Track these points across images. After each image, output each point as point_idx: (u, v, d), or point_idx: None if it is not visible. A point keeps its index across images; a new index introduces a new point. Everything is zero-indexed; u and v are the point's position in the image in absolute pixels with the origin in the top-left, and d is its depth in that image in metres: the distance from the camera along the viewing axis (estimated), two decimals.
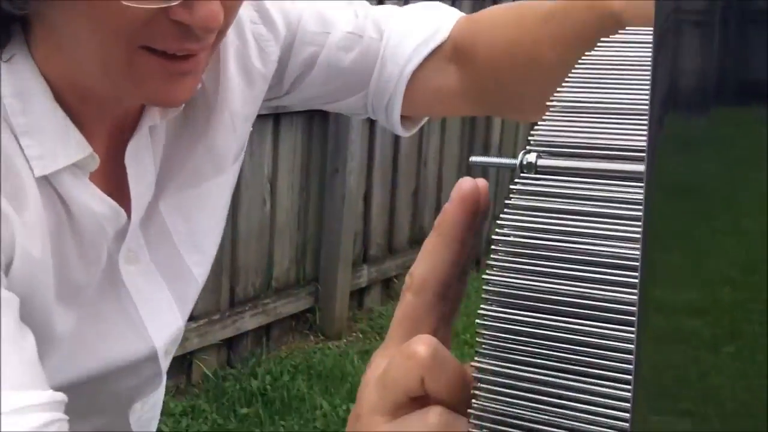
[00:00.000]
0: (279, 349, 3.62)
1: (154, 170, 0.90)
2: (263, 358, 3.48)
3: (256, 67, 0.95)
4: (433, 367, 0.43)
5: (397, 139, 4.16)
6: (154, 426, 1.16)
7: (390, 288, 4.24)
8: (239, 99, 0.95)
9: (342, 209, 3.76)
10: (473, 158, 0.44)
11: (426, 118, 1.12)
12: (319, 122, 3.71)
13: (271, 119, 3.46)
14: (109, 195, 0.85)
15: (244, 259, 3.45)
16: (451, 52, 0.97)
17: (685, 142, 0.27)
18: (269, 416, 3.06)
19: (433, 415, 0.44)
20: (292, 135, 3.61)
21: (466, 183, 0.45)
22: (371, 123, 3.96)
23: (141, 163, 0.88)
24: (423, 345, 0.44)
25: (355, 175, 3.80)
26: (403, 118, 1.04)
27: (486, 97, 0.98)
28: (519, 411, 0.41)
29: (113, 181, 0.86)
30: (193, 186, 0.94)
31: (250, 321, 3.47)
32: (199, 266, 0.98)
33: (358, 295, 4.11)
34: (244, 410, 3.07)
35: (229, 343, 3.45)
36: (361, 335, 3.86)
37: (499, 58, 0.93)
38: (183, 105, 0.87)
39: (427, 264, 0.46)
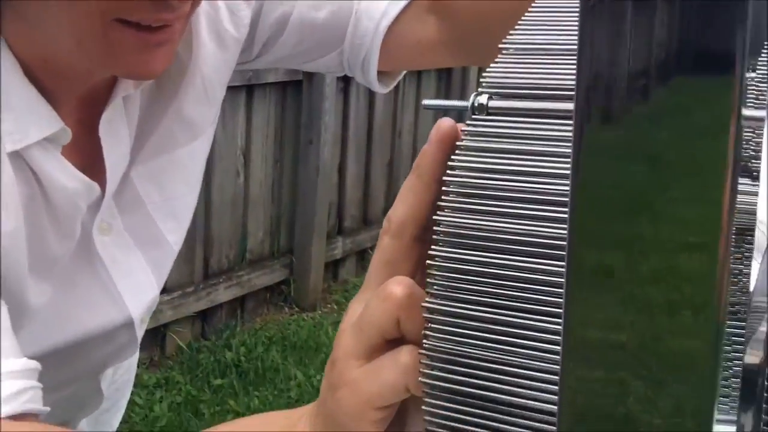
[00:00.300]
0: (253, 321, 3.62)
1: (129, 141, 0.89)
2: (237, 330, 3.48)
3: (228, 32, 0.94)
4: (409, 308, 0.43)
5: (371, 110, 4.16)
6: (129, 389, 1.16)
7: (365, 259, 4.25)
8: (212, 65, 0.94)
9: (316, 181, 3.75)
10: (425, 101, 0.44)
11: (403, 73, 1.11)
12: (292, 93, 3.70)
13: (244, 90, 3.45)
14: (83, 168, 0.84)
15: (218, 231, 3.44)
16: (428, 3, 0.97)
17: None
18: (243, 387, 3.07)
19: (405, 353, 0.44)
20: (266, 106, 3.59)
21: (445, 123, 0.45)
22: (345, 94, 3.95)
23: (115, 134, 0.87)
24: (399, 286, 0.43)
25: (329, 146, 3.79)
26: (380, 73, 1.03)
27: (469, 46, 0.97)
28: (469, 350, 0.41)
29: (87, 153, 0.85)
30: (165, 153, 0.93)
31: (224, 293, 3.47)
32: (173, 233, 0.98)
33: (333, 266, 4.11)
34: (218, 381, 3.07)
35: (203, 316, 3.45)
36: (336, 307, 3.87)
37: (481, 3, 0.92)
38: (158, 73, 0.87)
39: (405, 206, 0.46)
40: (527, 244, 0.40)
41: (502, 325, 0.41)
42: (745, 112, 0.25)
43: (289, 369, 3.20)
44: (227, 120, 3.36)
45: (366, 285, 0.48)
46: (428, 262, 0.42)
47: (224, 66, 0.96)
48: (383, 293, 0.44)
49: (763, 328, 0.38)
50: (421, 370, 0.43)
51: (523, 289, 0.40)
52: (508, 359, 0.41)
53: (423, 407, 0.43)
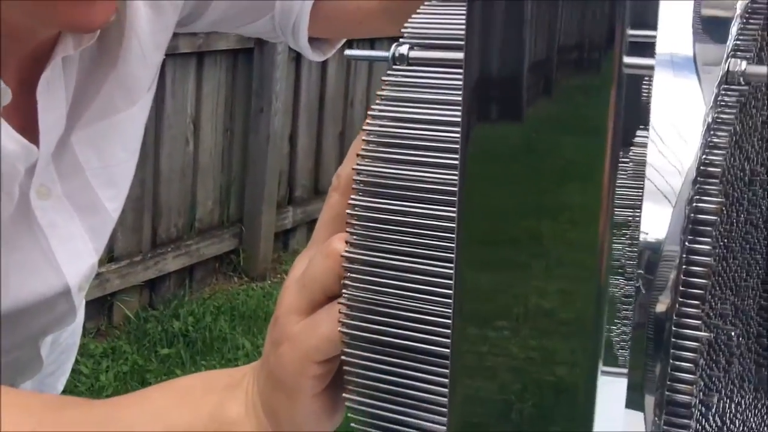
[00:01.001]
0: (202, 291, 3.61)
1: (65, 103, 0.87)
2: (186, 299, 3.46)
3: None
4: None
5: (323, 79, 4.13)
6: (74, 352, 1.14)
7: None
8: (148, 27, 0.92)
9: (267, 150, 3.73)
10: (348, 51, 0.44)
11: (342, 41, 1.11)
12: (243, 61, 3.66)
13: (195, 58, 3.40)
14: (23, 129, 0.82)
15: (167, 199, 3.41)
16: None
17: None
18: (191, 357, 3.06)
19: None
20: (216, 74, 3.55)
21: None
22: (297, 63, 3.92)
23: (53, 95, 0.85)
24: (342, 242, 0.43)
25: (280, 115, 3.76)
26: (320, 40, 1.02)
27: (412, 13, 0.97)
28: (387, 299, 0.41)
29: (27, 114, 0.84)
30: (104, 118, 0.92)
31: (172, 262, 3.44)
32: (112, 201, 0.97)
33: (284, 236, 4.10)
34: (165, 351, 3.05)
35: (151, 285, 3.42)
36: (286, 276, 3.85)
37: None
38: (97, 33, 0.85)
39: (354, 164, 0.46)
40: (445, 193, 0.40)
41: (419, 274, 0.41)
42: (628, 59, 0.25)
43: (237, 338, 3.19)
44: (177, 87, 3.32)
45: (313, 240, 0.48)
46: (347, 211, 0.42)
47: (161, 29, 0.95)
48: (326, 249, 0.44)
49: (672, 276, 0.38)
50: (340, 320, 0.43)
51: (440, 238, 0.40)
52: (426, 308, 0.41)
53: (342, 357, 0.43)
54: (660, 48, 0.34)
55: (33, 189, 0.87)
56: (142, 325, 3.23)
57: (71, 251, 0.93)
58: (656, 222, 0.39)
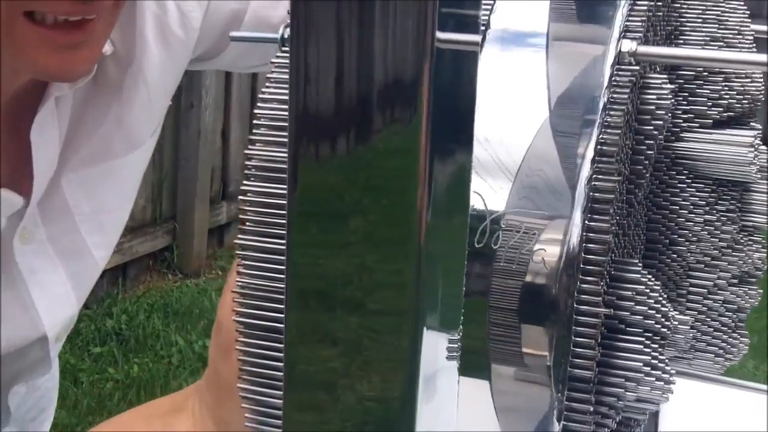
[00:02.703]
0: (136, 289, 3.56)
1: (58, 144, 0.82)
2: (119, 297, 3.41)
3: (176, 35, 0.87)
4: None
5: (254, 73, 4.10)
6: (54, 396, 1.07)
7: None
8: (157, 69, 0.87)
9: (198, 145, 3.69)
10: (232, 33, 0.43)
11: None
12: None
13: None
14: (10, 172, 0.78)
15: None
16: None
17: None
18: (124, 354, 3.02)
19: None
20: None
21: None
22: None
23: (47, 137, 0.80)
24: None
25: (211, 110, 3.73)
26: None
27: None
28: (276, 285, 0.41)
29: (14, 157, 0.79)
30: (100, 161, 0.87)
31: None
32: (100, 248, 0.91)
33: (218, 232, 4.06)
34: (98, 349, 3.01)
35: None
36: (221, 272, 3.82)
37: None
38: (94, 69, 0.80)
39: None
40: None
41: None
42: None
43: (170, 335, 3.16)
44: None
45: None
46: (240, 197, 0.42)
47: (171, 71, 0.89)
48: None
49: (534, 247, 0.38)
50: (234, 309, 0.42)
51: None
52: None
53: (237, 347, 0.43)
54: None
55: (17, 233, 0.82)
56: (75, 324, 3.17)
57: (50, 298, 0.87)
58: (495, 195, 0.39)
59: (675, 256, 0.49)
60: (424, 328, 0.24)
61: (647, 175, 0.44)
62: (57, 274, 0.88)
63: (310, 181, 0.25)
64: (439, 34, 0.25)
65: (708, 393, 0.83)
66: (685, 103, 0.49)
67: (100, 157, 0.86)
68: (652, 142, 0.43)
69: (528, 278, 0.40)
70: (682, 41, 0.50)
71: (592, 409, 0.41)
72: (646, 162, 0.43)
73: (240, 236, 0.41)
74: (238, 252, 0.42)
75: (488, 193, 0.42)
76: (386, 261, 0.24)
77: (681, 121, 0.49)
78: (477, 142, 0.44)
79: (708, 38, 0.49)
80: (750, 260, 0.50)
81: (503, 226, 0.40)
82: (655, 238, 0.49)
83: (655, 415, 0.74)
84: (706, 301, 0.50)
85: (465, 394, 0.43)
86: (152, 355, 3.01)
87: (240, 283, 0.42)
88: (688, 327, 0.44)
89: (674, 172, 0.49)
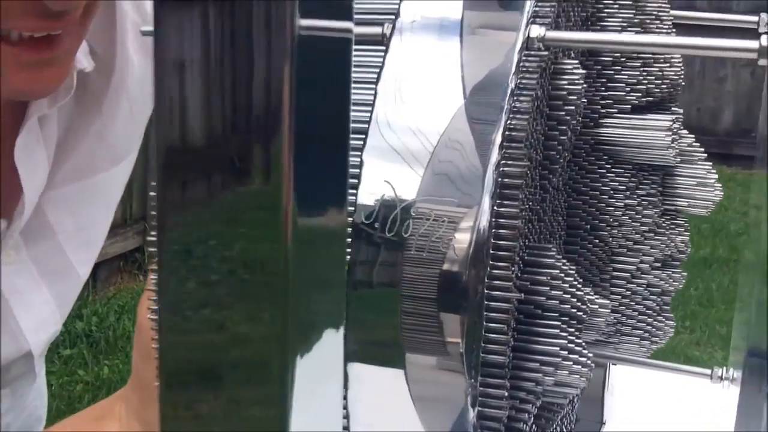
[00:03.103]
0: (106, 290, 3.54)
1: (47, 165, 0.79)
2: (90, 299, 3.39)
3: None
4: None
5: None
6: (43, 415, 1.04)
7: None
8: (138, 81, 0.85)
9: None
10: (143, 28, 0.43)
11: None
12: None
13: None
14: None
15: None
16: None
17: None
18: (94, 356, 3.00)
19: None
20: None
21: None
22: None
23: (33, 159, 0.77)
24: None
25: None
26: None
27: None
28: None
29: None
30: (82, 178, 0.84)
31: None
32: (85, 264, 0.89)
33: None
34: (68, 352, 2.99)
35: None
36: None
37: None
38: (74, 86, 0.77)
39: None
40: None
41: None
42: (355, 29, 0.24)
43: None
44: None
45: None
46: (150, 193, 0.41)
47: (151, 81, 0.88)
48: None
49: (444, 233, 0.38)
50: (149, 307, 0.42)
51: None
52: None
53: (154, 347, 0.42)
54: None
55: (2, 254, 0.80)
56: None
57: (35, 318, 0.85)
58: (407, 183, 0.39)
59: (597, 241, 0.49)
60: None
61: (561, 160, 0.44)
62: (40, 294, 0.86)
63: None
64: (303, 21, 0.24)
65: (651, 379, 0.83)
66: (603, 89, 0.49)
67: (82, 174, 0.84)
68: (565, 127, 0.43)
69: (439, 266, 0.40)
70: (599, 27, 0.50)
71: (506, 394, 0.41)
72: (560, 147, 0.43)
73: (152, 233, 0.41)
74: (150, 249, 0.41)
75: (400, 181, 0.42)
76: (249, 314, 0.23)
77: (600, 107, 0.49)
78: (391, 131, 0.45)
79: (625, 24, 0.49)
80: (673, 244, 0.50)
81: (413, 214, 0.40)
82: (576, 223, 0.49)
83: (600, 403, 0.74)
84: (629, 285, 0.50)
85: (380, 384, 0.43)
86: (123, 357, 3.00)
87: (154, 281, 0.41)
88: (608, 311, 0.44)
89: (594, 158, 0.49)
